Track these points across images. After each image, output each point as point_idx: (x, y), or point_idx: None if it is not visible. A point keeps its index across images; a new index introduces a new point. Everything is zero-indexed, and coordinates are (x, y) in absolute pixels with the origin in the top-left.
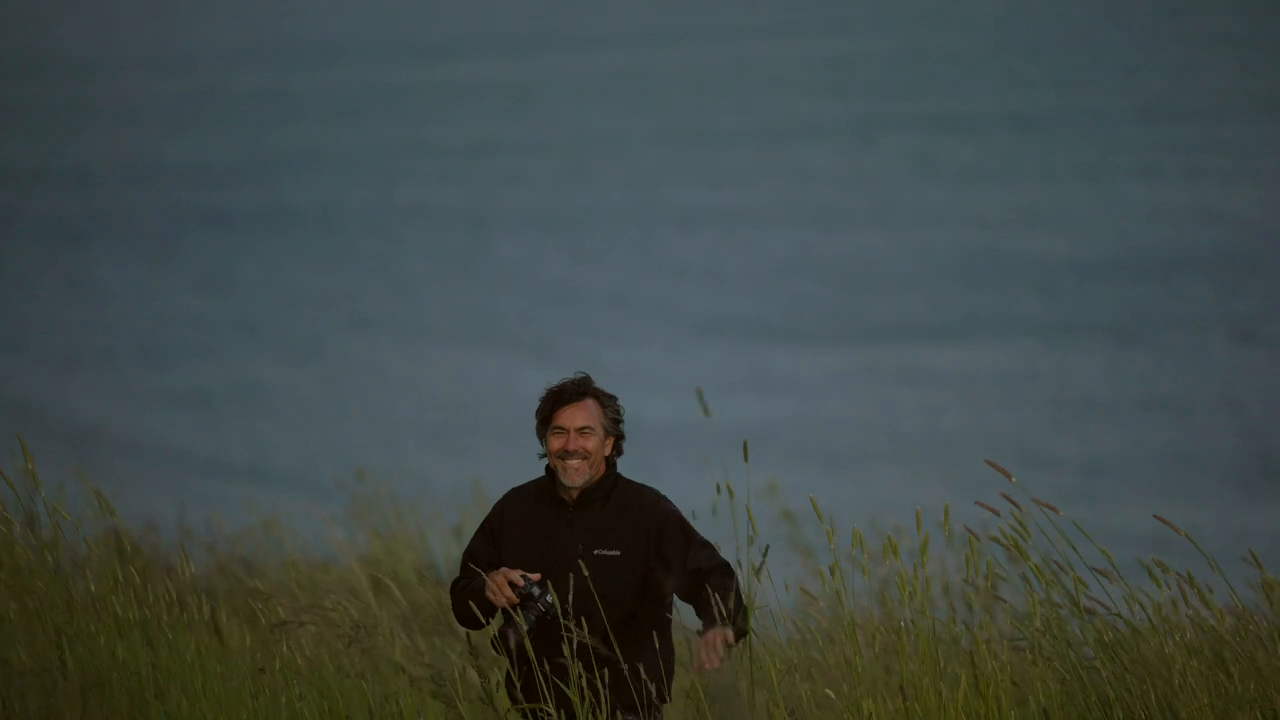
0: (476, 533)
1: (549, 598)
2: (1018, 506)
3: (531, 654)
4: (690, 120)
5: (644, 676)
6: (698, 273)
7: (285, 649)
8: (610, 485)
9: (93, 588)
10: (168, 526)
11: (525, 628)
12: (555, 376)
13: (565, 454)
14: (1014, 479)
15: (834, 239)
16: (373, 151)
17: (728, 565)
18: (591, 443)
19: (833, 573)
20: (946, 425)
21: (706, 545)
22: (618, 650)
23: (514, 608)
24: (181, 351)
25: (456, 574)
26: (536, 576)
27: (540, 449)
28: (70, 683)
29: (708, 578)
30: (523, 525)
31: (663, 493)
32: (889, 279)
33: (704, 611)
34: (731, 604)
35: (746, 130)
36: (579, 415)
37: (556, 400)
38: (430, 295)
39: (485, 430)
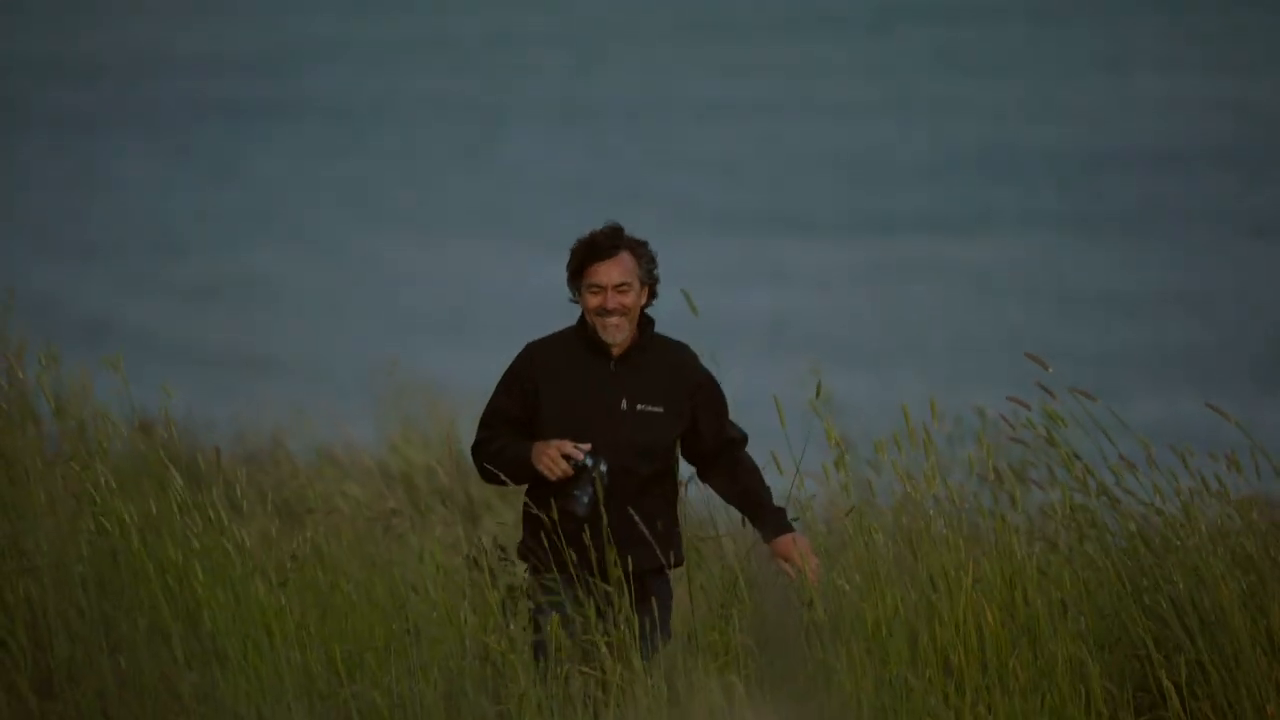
0: (500, 388)
1: (603, 467)
2: (1052, 396)
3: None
4: (707, 12)
5: (667, 535)
6: (713, 166)
7: (314, 536)
8: (649, 338)
9: (114, 481)
10: (192, 418)
11: (585, 500)
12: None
13: (604, 311)
14: (1050, 369)
15: (850, 131)
16: (388, 43)
17: (746, 437)
18: (629, 298)
19: (874, 457)
20: (962, 319)
21: (737, 430)
22: (641, 510)
23: (571, 480)
24: (194, 244)
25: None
26: (587, 446)
27: (570, 294)
28: (93, 571)
29: (744, 465)
30: (561, 378)
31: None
32: (905, 171)
33: (761, 512)
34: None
35: (762, 22)
36: (615, 271)
37: (589, 254)
38: (444, 188)
39: (496, 324)
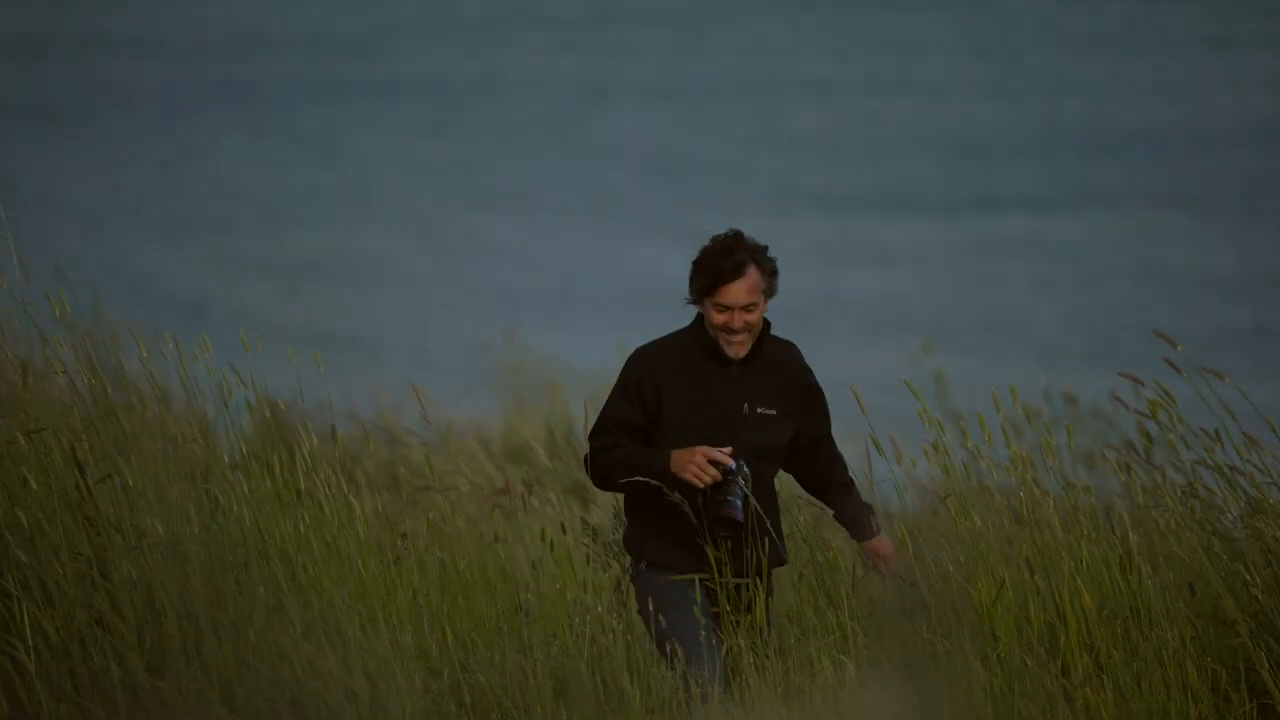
0: (616, 396)
1: (746, 470)
2: (1179, 372)
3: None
4: None
5: (777, 536)
6: (814, 145)
7: (428, 514)
8: (763, 340)
9: (242, 452)
10: (305, 397)
11: (739, 504)
12: (669, 250)
13: (730, 330)
14: (1180, 347)
15: (952, 109)
16: (487, 20)
17: (847, 469)
18: (755, 316)
19: (975, 448)
20: (1066, 298)
21: (830, 426)
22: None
23: (718, 488)
24: (296, 223)
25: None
26: (730, 450)
27: (689, 298)
28: (210, 551)
29: (839, 467)
30: (683, 385)
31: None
32: (1006, 150)
33: (853, 514)
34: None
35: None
36: (743, 293)
37: (718, 277)
38: (544, 167)
39: (595, 304)
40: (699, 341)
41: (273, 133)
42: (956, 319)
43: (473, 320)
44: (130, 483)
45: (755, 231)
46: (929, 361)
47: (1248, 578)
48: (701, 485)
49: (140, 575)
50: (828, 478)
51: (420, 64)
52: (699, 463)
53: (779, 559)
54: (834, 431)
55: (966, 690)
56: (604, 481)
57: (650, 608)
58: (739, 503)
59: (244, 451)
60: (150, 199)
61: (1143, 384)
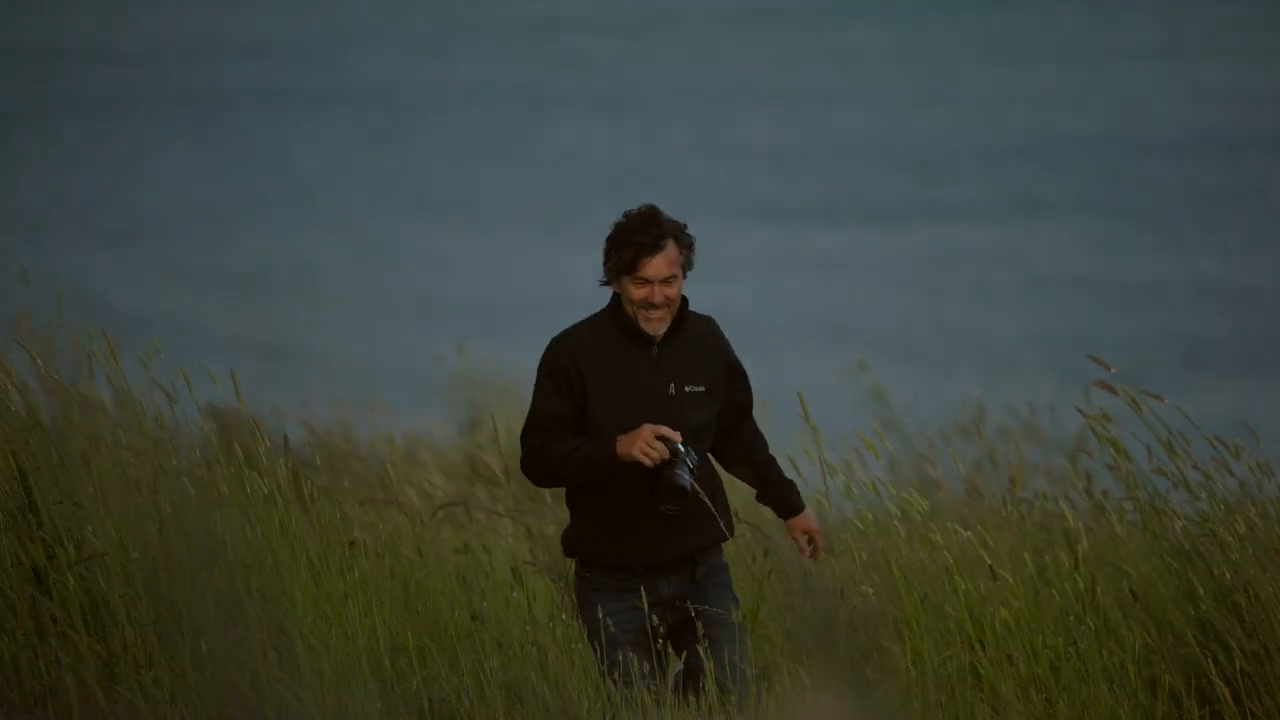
0: (544, 388)
1: (693, 454)
2: (1114, 392)
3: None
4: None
5: (721, 509)
6: (756, 155)
7: (379, 525)
8: (683, 316)
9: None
10: (256, 406)
11: (688, 475)
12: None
13: (649, 305)
14: (1113, 369)
15: (897, 119)
16: (433, 30)
17: (765, 442)
18: (674, 289)
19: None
20: (1010, 309)
21: (751, 398)
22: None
23: (666, 464)
24: (238, 231)
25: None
26: (678, 435)
27: (603, 279)
28: (162, 558)
29: (755, 436)
30: (606, 370)
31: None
32: (949, 161)
33: (777, 491)
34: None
35: (805, 9)
36: (663, 265)
37: (638, 250)
38: (488, 177)
39: (533, 315)
40: (617, 323)
41: (220, 140)
42: (899, 330)
43: (420, 331)
44: (78, 492)
45: (701, 239)
46: (866, 376)
47: (1199, 589)
48: (651, 463)
49: (89, 585)
50: (749, 453)
51: (368, 72)
52: (646, 438)
53: (721, 534)
54: (784, 447)
55: (917, 699)
56: (550, 478)
57: (588, 631)
58: (686, 474)
59: (199, 458)
60: (95, 206)
61: (1118, 393)
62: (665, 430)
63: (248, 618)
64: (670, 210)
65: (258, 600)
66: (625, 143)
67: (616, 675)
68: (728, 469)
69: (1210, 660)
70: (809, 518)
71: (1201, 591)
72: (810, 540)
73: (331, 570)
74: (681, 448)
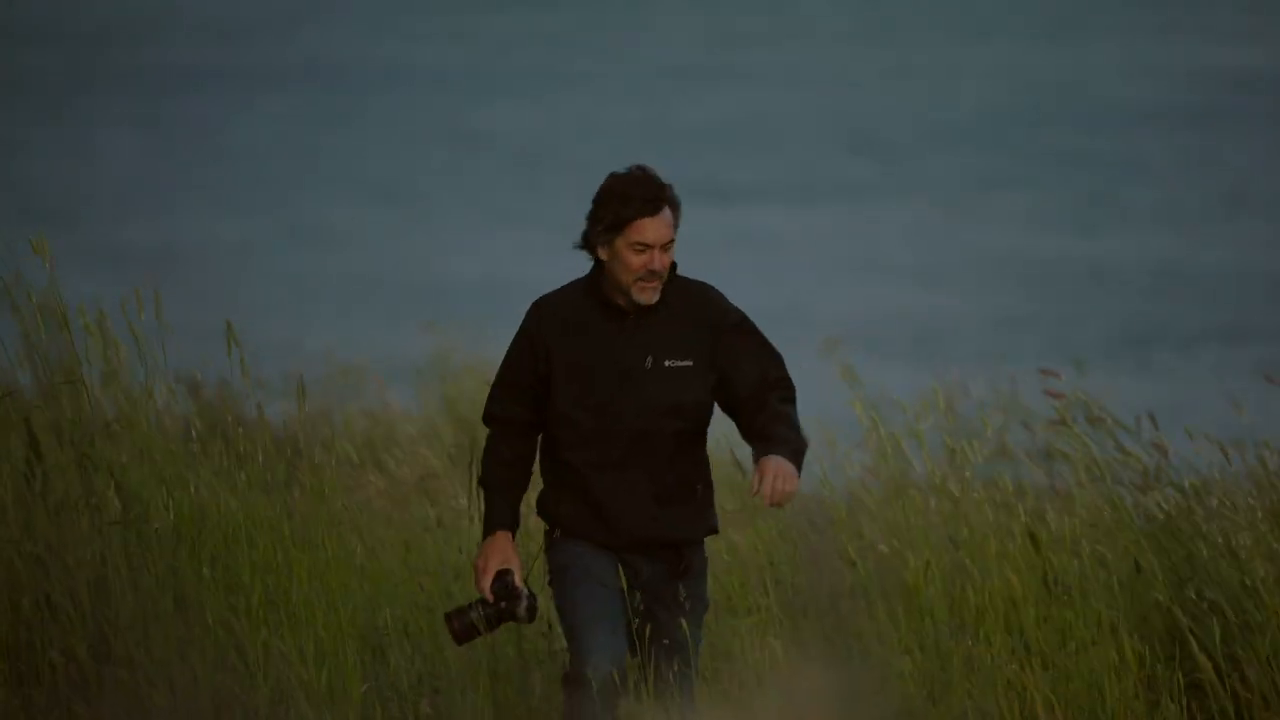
0: (510, 354)
1: (524, 610)
2: (1059, 397)
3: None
4: None
5: (704, 501)
6: (701, 137)
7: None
8: (669, 284)
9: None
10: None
11: (483, 626)
12: (551, 250)
13: (650, 274)
14: (1062, 377)
15: (847, 97)
16: (372, 9)
17: (792, 386)
18: (669, 256)
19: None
20: (954, 289)
21: (778, 354)
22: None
23: (483, 602)
24: (182, 211)
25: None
26: (521, 590)
27: (583, 240)
28: (169, 534)
29: (773, 392)
30: (574, 340)
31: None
32: (902, 137)
33: (764, 434)
34: (794, 432)
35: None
36: (662, 229)
37: (639, 210)
38: (426, 159)
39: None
40: (593, 292)
41: (162, 120)
42: (855, 311)
43: (344, 315)
44: (93, 460)
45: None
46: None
47: (1186, 558)
48: (478, 587)
49: (94, 557)
50: (771, 418)
51: (311, 51)
52: (483, 570)
53: (708, 528)
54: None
55: (895, 673)
56: (480, 478)
57: (554, 587)
58: (482, 625)
59: (191, 432)
60: (35, 187)
61: (1060, 377)
62: (513, 580)
63: (246, 591)
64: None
65: (251, 573)
66: (567, 124)
67: (578, 615)
68: (748, 443)
69: (1191, 633)
70: (780, 463)
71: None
72: (761, 479)
73: (317, 545)
74: (520, 612)
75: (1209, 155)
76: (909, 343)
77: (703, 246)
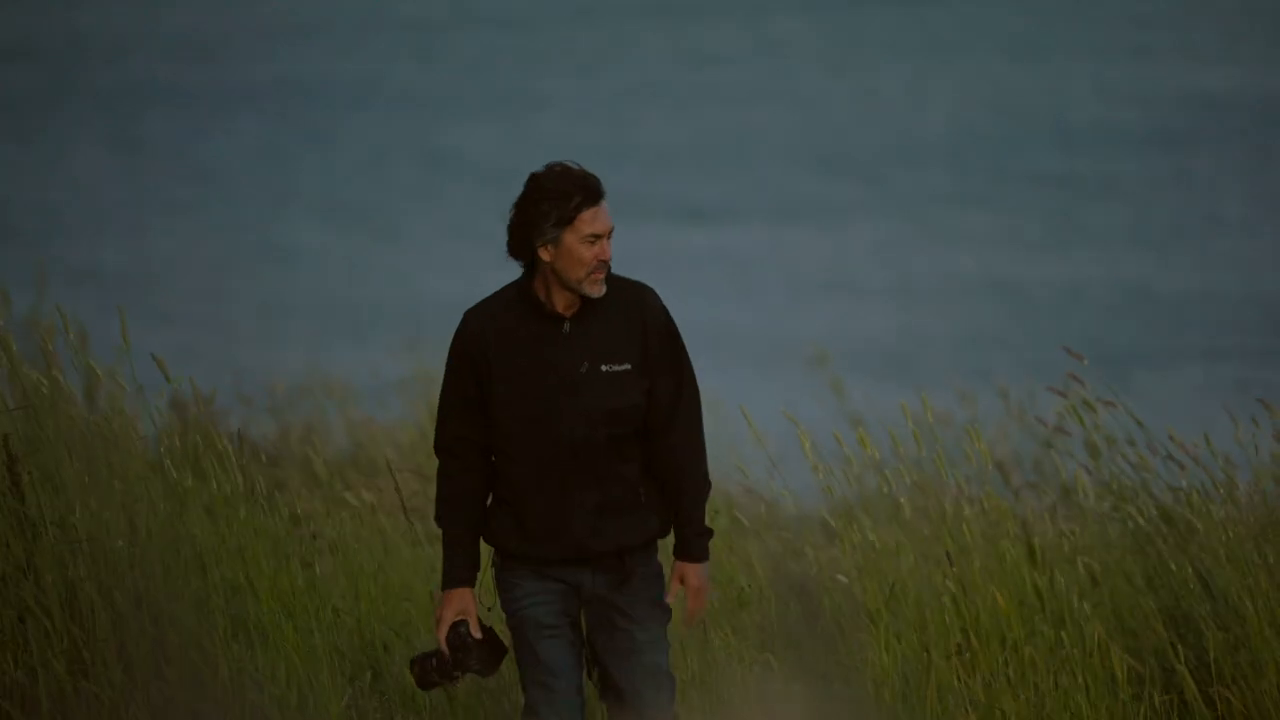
0: (451, 367)
1: (475, 662)
2: (1082, 384)
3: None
4: None
5: (650, 504)
6: (673, 156)
7: (337, 520)
8: (608, 283)
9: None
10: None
11: (438, 677)
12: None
13: (601, 264)
14: (1085, 360)
15: (818, 117)
16: (330, 25)
17: (699, 415)
18: (610, 248)
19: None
20: (927, 309)
21: (692, 373)
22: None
23: (439, 654)
24: (157, 232)
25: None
26: (478, 634)
27: (516, 244)
28: (133, 549)
29: (693, 456)
30: (509, 347)
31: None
32: (874, 157)
33: (688, 528)
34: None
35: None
36: (607, 217)
37: (581, 202)
38: (386, 178)
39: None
40: (524, 297)
41: (132, 140)
42: (827, 329)
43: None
44: (61, 479)
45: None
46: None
47: (1172, 571)
48: (435, 633)
49: (69, 575)
50: (677, 462)
51: (282, 71)
52: (444, 618)
53: (654, 531)
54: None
55: (884, 690)
56: (435, 516)
57: (511, 634)
58: (428, 675)
59: (170, 448)
60: (6, 205)
61: (1065, 396)
62: (470, 630)
63: (213, 611)
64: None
65: (222, 594)
66: (530, 143)
67: (535, 673)
68: (652, 471)
69: (1174, 649)
70: (701, 574)
71: (1169, 579)
72: (693, 595)
73: (292, 565)
74: (472, 665)
75: (1182, 176)
76: (880, 361)
77: (674, 265)
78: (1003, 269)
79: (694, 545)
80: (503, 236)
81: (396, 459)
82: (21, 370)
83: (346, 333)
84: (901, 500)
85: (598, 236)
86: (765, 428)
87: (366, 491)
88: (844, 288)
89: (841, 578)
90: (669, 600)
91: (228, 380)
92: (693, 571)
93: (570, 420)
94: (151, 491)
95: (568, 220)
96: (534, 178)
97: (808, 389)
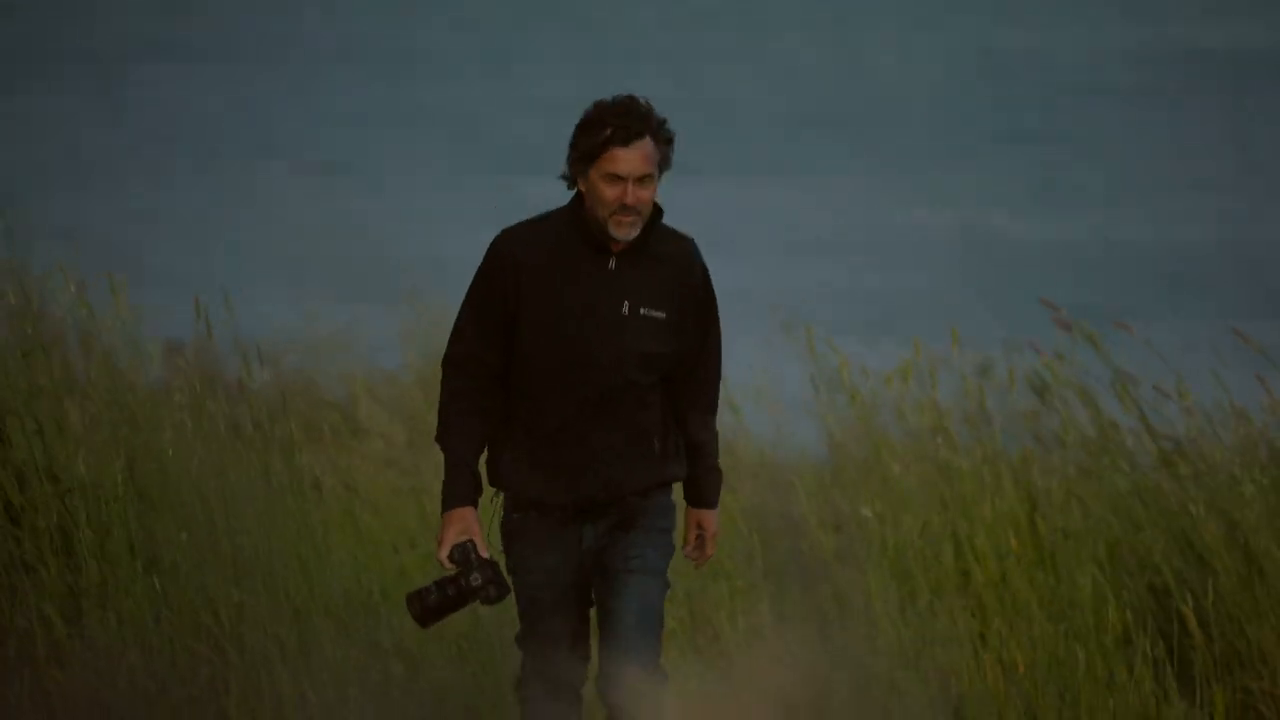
0: (476, 288)
1: (479, 580)
2: (1068, 330)
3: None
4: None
5: (666, 450)
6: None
7: (339, 465)
8: (655, 230)
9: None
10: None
11: (443, 605)
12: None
13: (623, 208)
14: (1063, 310)
15: (797, 80)
16: None
17: (719, 376)
18: (649, 193)
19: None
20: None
21: (718, 333)
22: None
23: (441, 581)
24: (131, 183)
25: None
26: (485, 554)
27: (565, 172)
28: (133, 497)
29: (707, 399)
30: (550, 278)
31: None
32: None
33: (700, 472)
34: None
35: None
36: (638, 161)
37: (612, 137)
38: (365, 131)
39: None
40: (575, 224)
41: (108, 94)
42: (805, 287)
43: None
44: (50, 425)
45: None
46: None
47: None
48: (438, 555)
49: (61, 519)
50: (697, 410)
51: (263, 26)
52: (447, 538)
53: (669, 476)
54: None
55: (879, 638)
56: (438, 434)
57: (514, 587)
58: (433, 595)
59: (167, 396)
60: None
61: (1069, 329)
62: (478, 547)
63: (215, 556)
64: (550, 170)
65: (225, 537)
66: (511, 103)
67: (536, 642)
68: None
69: (1178, 587)
70: (714, 519)
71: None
72: (700, 537)
73: (291, 510)
74: (475, 582)
75: (1164, 132)
76: (860, 318)
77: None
78: (986, 226)
79: (712, 492)
80: (481, 191)
81: (387, 413)
82: (18, 318)
83: (333, 287)
84: (895, 449)
85: (619, 178)
86: (745, 380)
87: (361, 441)
88: (822, 244)
89: (866, 512)
90: (688, 550)
91: (219, 333)
92: (710, 518)
93: (605, 360)
94: (149, 438)
95: (594, 155)
96: (592, 105)
97: (787, 348)
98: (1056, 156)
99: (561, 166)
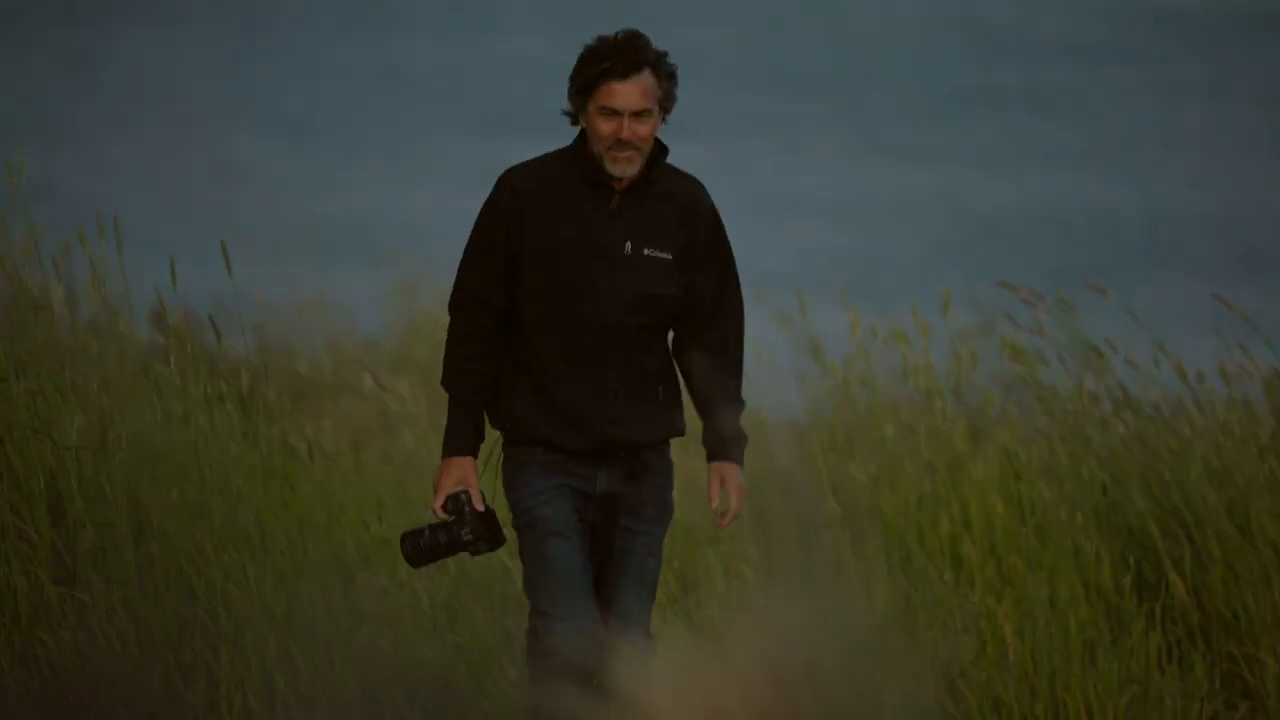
0: (480, 227)
1: (468, 534)
2: (1033, 305)
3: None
4: None
5: (669, 402)
6: None
7: (318, 429)
8: (660, 169)
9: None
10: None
11: (425, 540)
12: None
13: (618, 143)
14: (1023, 291)
15: (780, 40)
16: None
17: (742, 319)
18: (647, 128)
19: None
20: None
21: (736, 274)
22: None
23: (435, 526)
24: (108, 145)
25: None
26: (480, 507)
27: (567, 108)
28: (119, 458)
29: (729, 351)
30: (551, 216)
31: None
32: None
33: (723, 427)
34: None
35: None
36: (635, 95)
37: (606, 71)
38: (331, 94)
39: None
40: (576, 163)
41: (90, 55)
42: (778, 248)
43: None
44: (50, 387)
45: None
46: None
47: (1166, 478)
48: (432, 504)
49: (50, 484)
50: (719, 362)
51: None
52: (443, 486)
53: (674, 428)
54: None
55: (869, 601)
56: (443, 378)
57: (519, 538)
58: (422, 548)
59: (154, 358)
60: None
61: (1036, 303)
62: (474, 499)
63: (205, 517)
64: (528, 130)
65: (218, 501)
66: (496, 59)
67: (543, 577)
68: (681, 367)
69: (1166, 555)
70: (737, 474)
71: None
72: (731, 495)
73: (279, 473)
74: (465, 536)
75: (1141, 93)
76: (833, 281)
77: None
78: (964, 188)
79: (734, 447)
80: (459, 151)
81: (373, 375)
82: (4, 284)
83: (313, 250)
84: (885, 412)
85: (615, 112)
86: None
87: (348, 405)
88: (793, 205)
89: (858, 474)
90: (713, 505)
91: (202, 297)
92: (733, 472)
93: (607, 299)
94: (138, 401)
95: (589, 88)
96: (589, 44)
97: (765, 310)
98: (1033, 120)
99: (566, 108)
